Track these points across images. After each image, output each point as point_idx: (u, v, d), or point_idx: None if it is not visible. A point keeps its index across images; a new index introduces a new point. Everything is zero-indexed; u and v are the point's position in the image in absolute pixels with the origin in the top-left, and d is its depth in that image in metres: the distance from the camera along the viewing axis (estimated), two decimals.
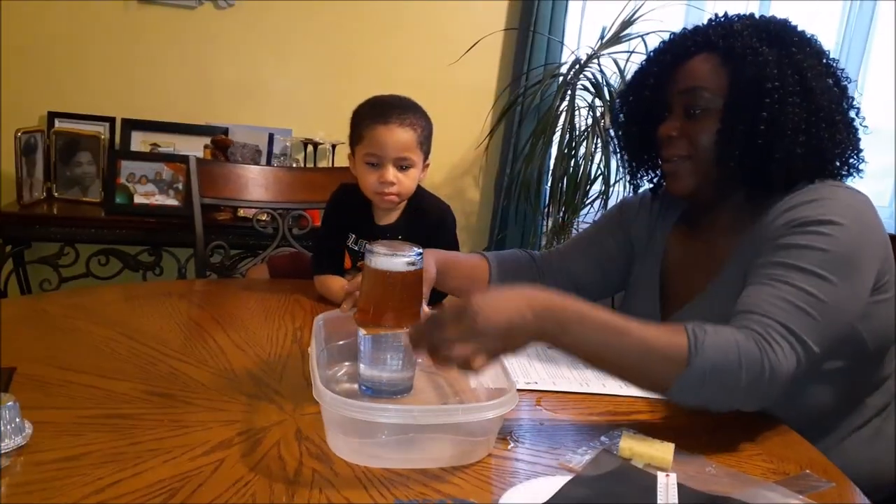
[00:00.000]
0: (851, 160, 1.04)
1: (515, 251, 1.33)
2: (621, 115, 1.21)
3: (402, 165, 1.27)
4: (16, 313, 1.15)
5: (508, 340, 0.81)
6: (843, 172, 1.05)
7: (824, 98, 1.00)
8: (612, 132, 1.26)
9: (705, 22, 1.11)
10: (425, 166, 1.32)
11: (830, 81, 1.03)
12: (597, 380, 1.03)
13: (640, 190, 1.26)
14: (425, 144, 1.30)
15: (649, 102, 1.13)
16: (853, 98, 1.06)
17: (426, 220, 1.34)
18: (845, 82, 1.06)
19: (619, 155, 1.24)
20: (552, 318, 0.82)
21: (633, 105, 1.18)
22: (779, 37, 1.03)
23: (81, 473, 0.67)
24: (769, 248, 0.95)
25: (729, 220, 1.10)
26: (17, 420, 0.71)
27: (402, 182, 1.28)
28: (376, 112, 1.27)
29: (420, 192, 1.35)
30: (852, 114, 1.05)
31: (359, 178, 1.31)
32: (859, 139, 1.06)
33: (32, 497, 0.63)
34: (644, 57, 1.19)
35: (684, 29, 1.13)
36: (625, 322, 0.84)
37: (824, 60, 1.05)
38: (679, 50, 1.09)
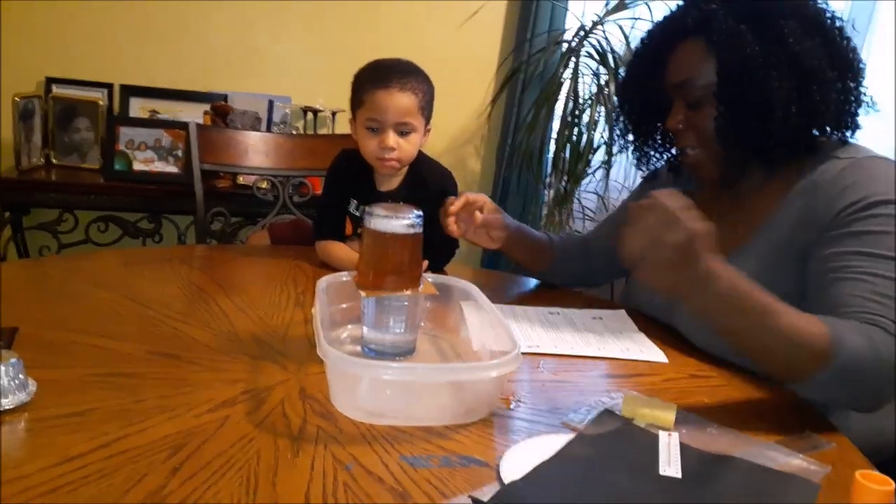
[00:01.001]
0: (852, 109, 1.03)
1: (569, 235, 1.39)
2: (623, 116, 1.24)
3: (403, 131, 1.25)
4: (16, 276, 1.14)
5: (684, 257, 0.77)
6: (846, 125, 1.04)
7: (811, 59, 0.99)
8: (616, 119, 1.28)
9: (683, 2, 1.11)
10: (426, 131, 1.31)
11: (818, 40, 1.01)
12: (598, 344, 1.04)
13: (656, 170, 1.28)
14: (427, 109, 1.28)
15: (650, 97, 1.15)
16: (848, 40, 1.04)
17: (428, 186, 1.32)
18: (838, 23, 1.04)
19: (628, 148, 1.26)
20: (713, 277, 0.80)
21: (635, 100, 1.20)
22: (756, 5, 1.02)
23: (87, 429, 0.68)
24: (840, 234, 0.95)
25: (756, 187, 1.10)
26: (21, 377, 0.71)
27: (403, 147, 1.26)
28: (377, 76, 1.25)
29: (421, 158, 1.34)
30: (850, 57, 1.03)
31: (359, 144, 1.30)
32: (860, 82, 1.04)
33: (40, 451, 0.63)
34: (647, 26, 1.20)
35: (665, 16, 1.14)
36: (771, 298, 0.82)
37: (808, 15, 1.03)
38: (664, 40, 1.11)
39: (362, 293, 0.89)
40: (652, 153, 1.24)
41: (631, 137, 1.24)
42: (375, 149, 1.26)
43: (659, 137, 1.22)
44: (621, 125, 1.26)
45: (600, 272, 1.37)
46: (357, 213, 1.37)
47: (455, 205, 1.18)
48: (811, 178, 1.01)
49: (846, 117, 1.03)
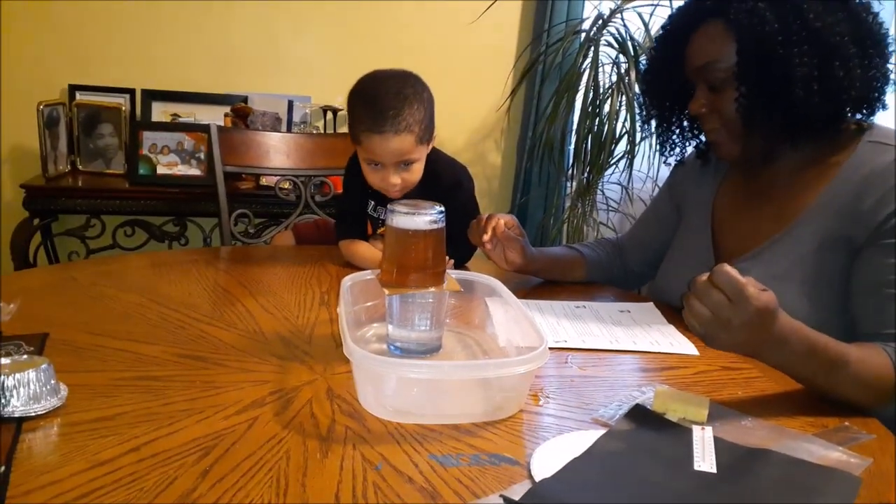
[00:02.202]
0: (879, 86, 1.01)
1: (599, 242, 1.39)
2: (646, 100, 1.22)
3: (405, 164, 1.23)
4: (45, 281, 1.16)
5: (751, 339, 0.76)
6: (873, 104, 1.02)
7: (834, 35, 0.97)
8: (639, 105, 1.27)
9: None
10: (432, 140, 1.27)
11: (840, 15, 0.98)
12: (627, 338, 1.02)
13: (688, 153, 1.27)
14: (426, 135, 1.23)
15: (672, 83, 1.14)
16: (875, 15, 1.01)
17: (442, 183, 1.30)
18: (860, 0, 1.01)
19: (652, 136, 1.25)
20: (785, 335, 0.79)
21: (658, 88, 1.19)
22: None
23: (117, 433, 0.68)
24: (888, 245, 0.93)
25: (793, 169, 1.08)
26: (52, 382, 0.72)
27: (407, 179, 1.24)
28: (369, 117, 1.18)
29: (435, 155, 1.31)
30: (876, 33, 1.00)
31: (363, 170, 1.27)
32: (888, 59, 1.01)
33: (71, 455, 0.64)
34: (668, 13, 1.20)
35: (684, 1, 1.13)
36: (844, 352, 0.83)
37: None
38: (684, 24, 1.09)
39: (386, 291, 0.88)
40: (676, 140, 1.22)
41: (654, 125, 1.23)
42: (379, 182, 1.25)
43: (685, 124, 1.20)
44: (644, 113, 1.24)
45: (638, 275, 1.36)
46: (374, 215, 1.37)
47: (488, 232, 1.18)
48: (856, 165, 0.99)
49: (873, 95, 1.01)
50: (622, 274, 1.34)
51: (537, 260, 1.26)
